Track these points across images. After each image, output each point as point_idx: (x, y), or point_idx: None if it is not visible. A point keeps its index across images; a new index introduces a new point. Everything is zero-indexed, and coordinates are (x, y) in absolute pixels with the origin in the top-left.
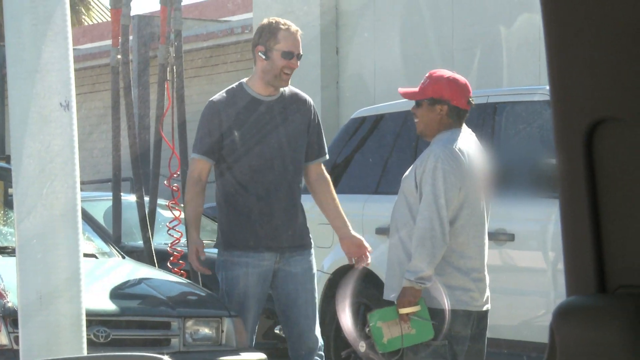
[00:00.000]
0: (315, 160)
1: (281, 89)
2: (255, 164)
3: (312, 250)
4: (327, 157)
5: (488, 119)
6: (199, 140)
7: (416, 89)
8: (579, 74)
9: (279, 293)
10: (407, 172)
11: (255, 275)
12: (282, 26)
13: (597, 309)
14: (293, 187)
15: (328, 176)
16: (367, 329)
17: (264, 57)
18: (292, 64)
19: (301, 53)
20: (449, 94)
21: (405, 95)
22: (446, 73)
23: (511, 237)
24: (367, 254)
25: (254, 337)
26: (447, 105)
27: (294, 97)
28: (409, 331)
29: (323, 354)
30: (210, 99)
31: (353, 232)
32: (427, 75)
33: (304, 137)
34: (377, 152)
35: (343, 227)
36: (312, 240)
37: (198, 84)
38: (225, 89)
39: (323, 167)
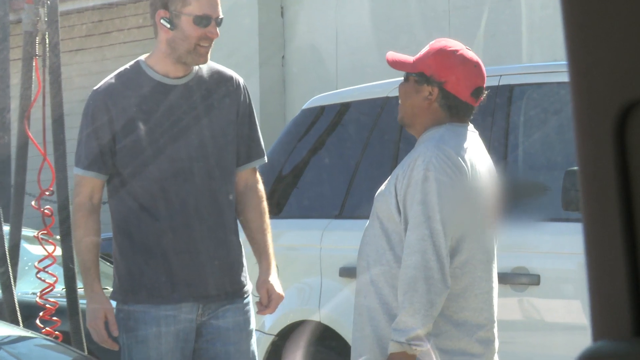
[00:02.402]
0: (245, 164)
1: (195, 68)
2: (164, 176)
3: (250, 298)
4: (265, 159)
5: (500, 108)
6: (83, 149)
7: (410, 58)
8: (606, 46)
9: (203, 356)
10: (382, 187)
11: (172, 335)
12: None
13: (633, 358)
14: (221, 205)
15: (262, 189)
16: None
17: (168, 25)
18: (210, 32)
19: (221, 16)
20: (445, 73)
21: (394, 63)
22: (455, 45)
23: (535, 280)
24: (273, 308)
25: None
26: (437, 88)
27: (216, 76)
28: None
29: None
30: (94, 87)
31: (274, 280)
32: (431, 42)
33: (232, 133)
34: (341, 158)
35: (266, 269)
36: (249, 283)
37: (82, 61)
38: (115, 73)
39: (258, 176)
